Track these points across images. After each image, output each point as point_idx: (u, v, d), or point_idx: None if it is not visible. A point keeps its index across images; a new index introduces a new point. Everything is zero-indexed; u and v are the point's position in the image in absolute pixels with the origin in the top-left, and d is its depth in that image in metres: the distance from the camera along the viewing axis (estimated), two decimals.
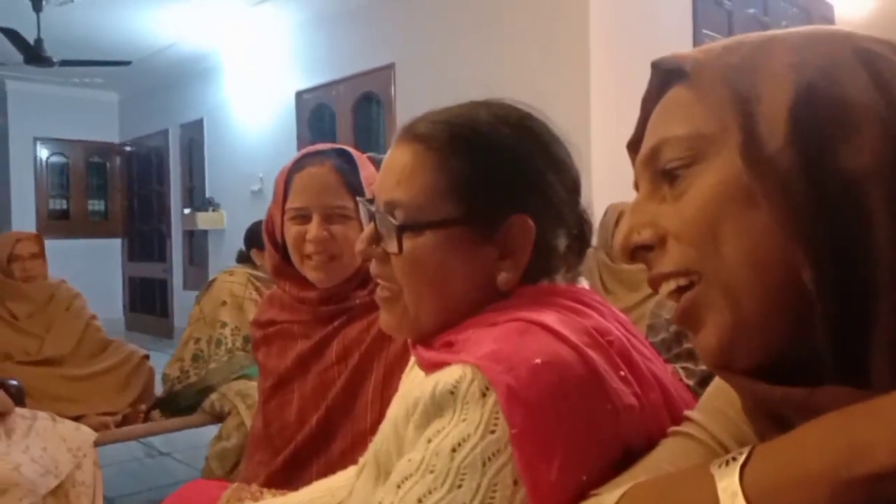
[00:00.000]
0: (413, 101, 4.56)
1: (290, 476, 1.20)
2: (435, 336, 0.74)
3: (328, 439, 1.20)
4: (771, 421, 0.49)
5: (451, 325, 0.73)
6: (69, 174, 8.44)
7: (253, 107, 6.29)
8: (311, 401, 1.22)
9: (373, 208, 0.77)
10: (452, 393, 0.62)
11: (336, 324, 1.23)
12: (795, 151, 0.45)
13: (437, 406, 0.64)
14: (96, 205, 8.72)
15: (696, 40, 4.29)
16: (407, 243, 0.73)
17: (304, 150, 1.30)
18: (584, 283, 0.79)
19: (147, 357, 2.96)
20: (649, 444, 0.63)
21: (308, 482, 1.05)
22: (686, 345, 1.84)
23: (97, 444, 2.22)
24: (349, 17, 5.26)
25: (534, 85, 3.89)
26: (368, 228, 0.78)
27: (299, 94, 5.80)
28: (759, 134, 0.46)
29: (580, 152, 0.79)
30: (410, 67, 4.76)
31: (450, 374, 0.64)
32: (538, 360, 0.61)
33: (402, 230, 0.73)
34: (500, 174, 0.73)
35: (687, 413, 0.64)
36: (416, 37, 4.73)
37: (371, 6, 5.07)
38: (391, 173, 0.76)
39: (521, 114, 0.77)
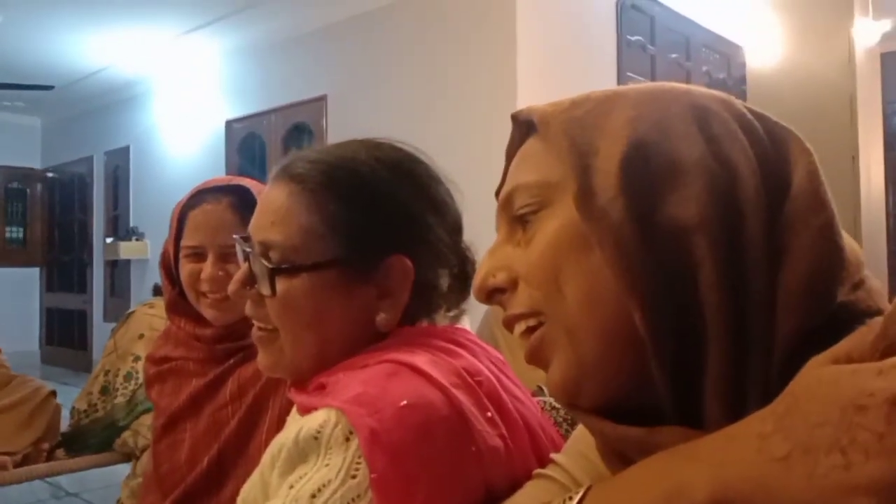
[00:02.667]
0: (345, 133, 4.50)
1: None
2: (310, 378, 0.72)
3: (220, 482, 1.15)
4: (619, 461, 0.50)
5: (329, 365, 0.72)
6: None
7: (181, 135, 6.18)
8: (203, 441, 1.18)
9: (248, 248, 0.76)
10: (316, 438, 0.62)
11: (231, 362, 1.20)
12: (625, 202, 0.47)
13: (301, 451, 0.62)
14: (14, 232, 8.39)
15: (621, 83, 4.43)
16: (281, 285, 0.72)
17: (201, 185, 1.27)
18: (465, 323, 0.80)
19: (54, 393, 2.82)
20: (514, 486, 0.63)
21: None
22: None
23: None
24: (281, 48, 5.25)
25: (462, 120, 3.95)
26: (243, 269, 0.76)
27: (229, 123, 5.73)
28: (593, 185, 0.48)
29: (462, 193, 0.80)
30: (342, 99, 4.77)
31: (314, 419, 0.63)
32: (403, 402, 0.61)
33: (274, 272, 0.72)
34: (377, 216, 0.73)
35: (552, 455, 0.64)
36: (348, 69, 4.75)
37: (303, 38, 5.07)
38: (266, 213, 0.75)
39: (401, 155, 0.78)
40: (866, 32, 4.25)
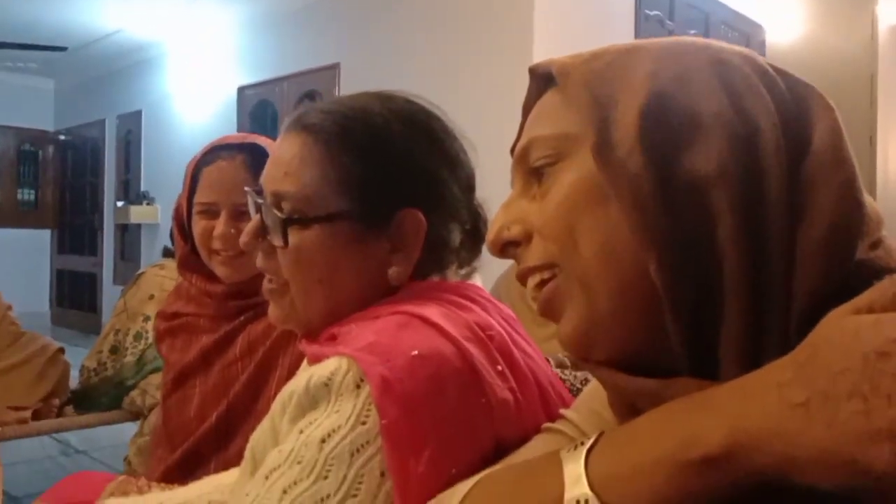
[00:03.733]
0: None
1: (186, 473, 1.16)
2: (322, 330, 0.72)
3: (228, 437, 1.17)
4: (631, 414, 0.50)
5: (341, 318, 0.71)
6: None
7: (194, 100, 6.16)
8: (212, 397, 1.19)
9: (260, 200, 0.75)
10: (327, 385, 0.62)
11: (242, 319, 1.21)
12: (644, 154, 0.46)
13: (312, 398, 0.63)
14: (27, 194, 8.41)
15: None
16: (293, 237, 0.71)
17: (216, 142, 1.26)
18: (477, 280, 0.79)
19: (62, 350, 2.85)
20: (523, 440, 0.63)
21: None
22: None
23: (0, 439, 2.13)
24: (295, 14, 5.21)
25: (477, 89, 3.92)
26: (254, 220, 0.76)
27: (241, 90, 5.71)
28: (612, 137, 0.48)
29: (477, 152, 0.79)
30: (355, 68, 4.73)
31: (325, 367, 0.63)
32: (415, 353, 0.61)
33: (287, 223, 0.71)
34: (390, 169, 0.73)
35: (562, 411, 0.64)
36: (361, 37, 4.71)
37: (317, 5, 5.02)
38: (279, 164, 0.74)
39: (415, 108, 0.77)
40: (890, 10, 4.17)
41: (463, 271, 0.78)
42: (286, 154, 0.74)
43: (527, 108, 0.58)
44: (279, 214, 0.72)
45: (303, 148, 0.73)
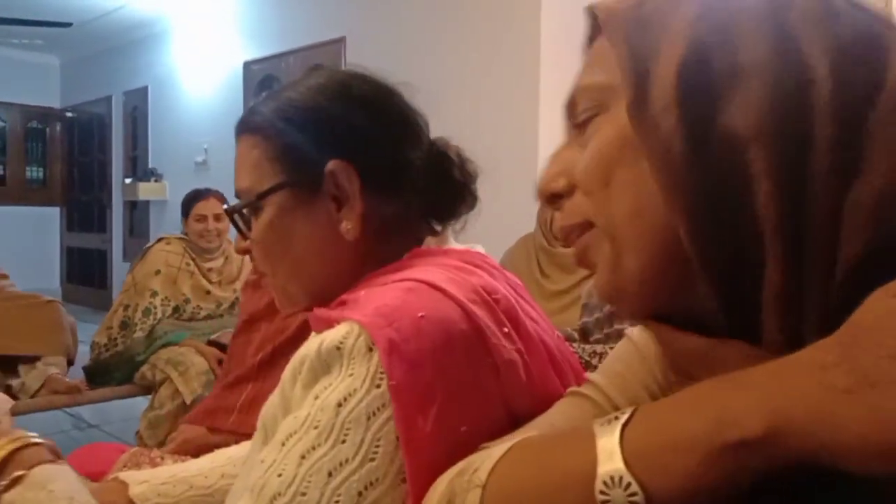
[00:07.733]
0: None
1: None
2: (321, 304, 0.73)
3: (266, 374, 1.44)
4: (683, 373, 0.48)
5: (329, 288, 0.74)
6: (6, 139, 8.14)
7: (200, 76, 6.14)
8: (267, 340, 1.43)
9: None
10: (339, 349, 0.62)
11: None
12: (680, 112, 0.43)
13: (324, 363, 0.63)
14: (35, 172, 8.44)
15: None
16: (254, 227, 0.78)
17: None
18: (479, 248, 0.79)
19: (58, 302, 2.94)
20: (532, 402, 0.64)
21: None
22: (617, 326, 1.85)
23: (14, 413, 2.15)
24: None
25: (484, 62, 3.89)
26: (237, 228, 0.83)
27: (247, 65, 5.68)
28: (649, 92, 0.44)
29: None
30: (361, 42, 4.69)
31: (336, 332, 0.63)
32: (421, 314, 0.62)
33: (242, 216, 0.79)
34: (306, 128, 0.76)
35: (588, 375, 0.64)
36: (367, 11, 4.67)
37: None
38: (236, 170, 0.80)
39: (335, 72, 0.81)
40: None
41: (448, 223, 0.81)
42: (238, 159, 0.80)
43: (585, 51, 0.54)
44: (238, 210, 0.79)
45: (242, 144, 0.80)
